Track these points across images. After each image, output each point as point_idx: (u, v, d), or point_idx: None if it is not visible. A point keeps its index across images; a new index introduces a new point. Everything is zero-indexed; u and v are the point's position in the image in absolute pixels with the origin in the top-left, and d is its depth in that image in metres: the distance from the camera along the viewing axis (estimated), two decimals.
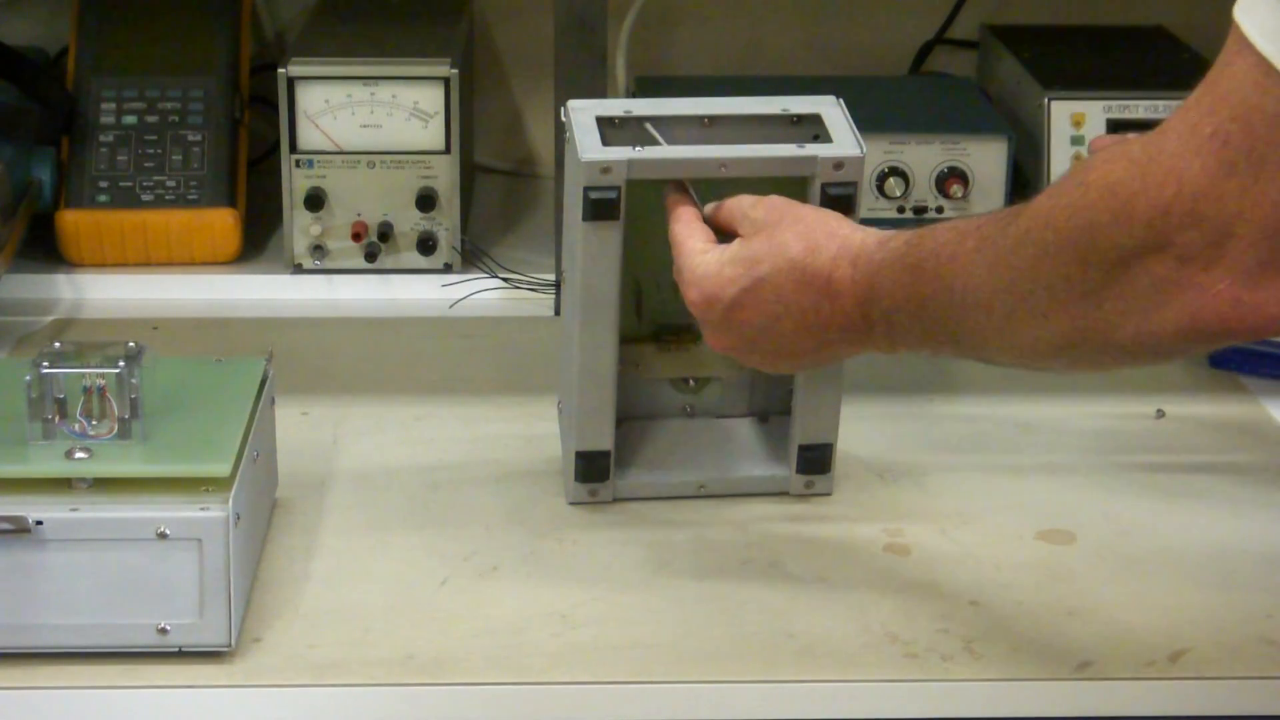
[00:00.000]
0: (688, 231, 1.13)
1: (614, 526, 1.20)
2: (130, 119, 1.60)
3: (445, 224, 1.57)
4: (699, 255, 1.12)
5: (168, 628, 1.03)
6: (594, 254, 1.14)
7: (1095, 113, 1.60)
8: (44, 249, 1.59)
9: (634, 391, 1.25)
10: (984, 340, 0.99)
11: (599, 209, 1.13)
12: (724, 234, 1.13)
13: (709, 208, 1.15)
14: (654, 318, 1.24)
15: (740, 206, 1.13)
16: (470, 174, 1.77)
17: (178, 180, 1.59)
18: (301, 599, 1.11)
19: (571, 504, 1.22)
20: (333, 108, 1.56)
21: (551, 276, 1.55)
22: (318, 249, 1.57)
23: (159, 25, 1.65)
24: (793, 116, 1.18)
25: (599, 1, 1.46)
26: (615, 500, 1.22)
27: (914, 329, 1.04)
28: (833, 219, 1.10)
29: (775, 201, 1.11)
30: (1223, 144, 0.87)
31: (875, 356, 1.28)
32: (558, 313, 1.49)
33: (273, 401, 1.18)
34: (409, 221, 1.57)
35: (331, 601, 1.10)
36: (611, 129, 1.16)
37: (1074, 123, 1.60)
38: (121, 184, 1.58)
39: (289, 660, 1.05)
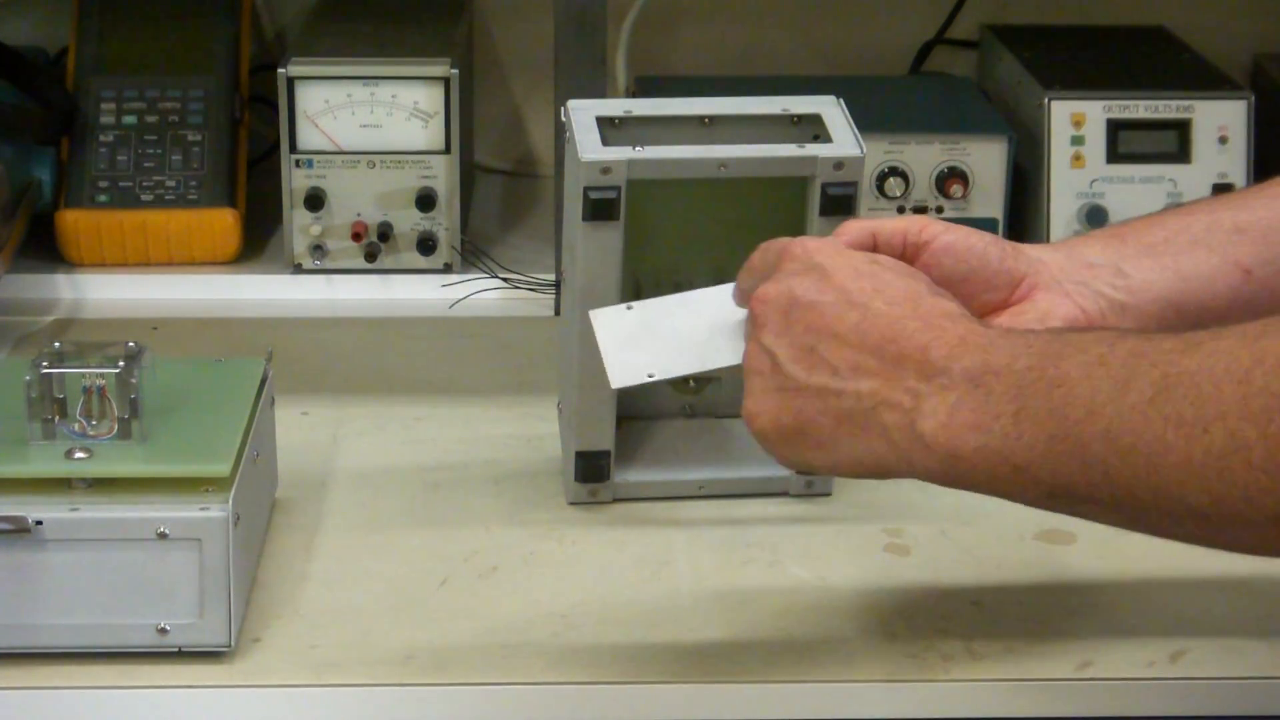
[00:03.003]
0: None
1: (614, 526, 1.20)
2: (130, 119, 1.60)
3: (445, 224, 1.57)
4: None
5: (167, 628, 1.03)
6: (594, 254, 1.14)
7: (1095, 113, 1.60)
8: (44, 249, 1.59)
9: (634, 391, 1.24)
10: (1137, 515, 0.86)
11: (599, 209, 1.13)
12: None
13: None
14: None
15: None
16: (470, 174, 1.77)
17: (178, 180, 1.59)
18: (301, 599, 1.11)
19: (571, 504, 1.22)
20: (332, 108, 1.56)
21: (551, 276, 1.55)
22: (318, 249, 1.57)
23: (159, 25, 1.65)
24: (793, 116, 1.18)
25: (599, 1, 1.46)
26: (615, 500, 1.22)
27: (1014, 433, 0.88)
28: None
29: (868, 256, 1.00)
30: None
31: None
32: (558, 313, 1.49)
33: (273, 401, 1.18)
34: (409, 221, 1.57)
35: (331, 601, 1.10)
36: (611, 129, 1.16)
37: (1074, 123, 1.60)
38: (121, 184, 1.58)
39: (289, 660, 1.05)
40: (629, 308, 1.07)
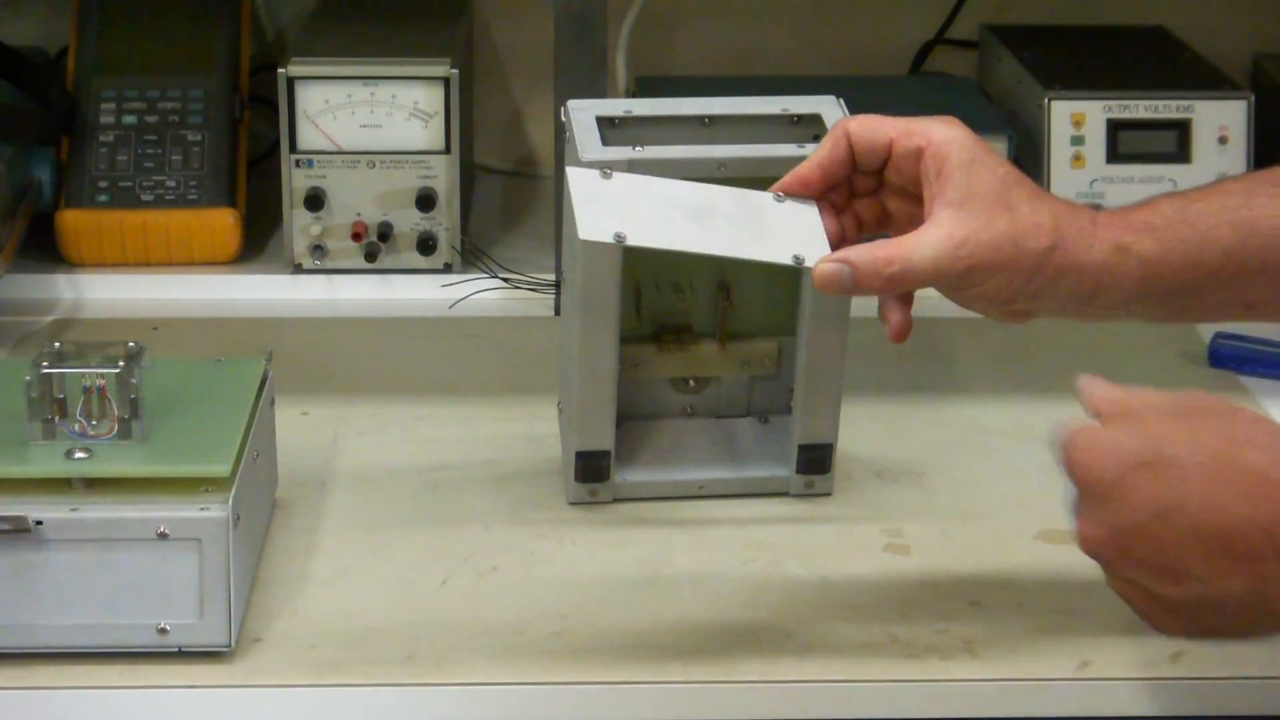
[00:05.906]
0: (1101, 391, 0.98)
1: (614, 526, 1.20)
2: (130, 119, 1.60)
3: (445, 224, 1.57)
4: (1093, 426, 0.97)
5: (168, 628, 1.03)
6: (594, 254, 1.14)
7: (1095, 113, 1.60)
8: (44, 249, 1.59)
9: (634, 391, 1.25)
10: None
11: None
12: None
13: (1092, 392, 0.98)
14: (654, 318, 1.24)
15: (1142, 398, 0.96)
16: (470, 174, 1.77)
17: (178, 180, 1.59)
18: (301, 599, 1.11)
19: (571, 504, 1.22)
20: (333, 108, 1.56)
21: (551, 276, 1.55)
22: (318, 249, 1.57)
23: (159, 25, 1.65)
24: (793, 116, 1.18)
25: (599, 1, 1.46)
26: (615, 500, 1.22)
27: None
28: (1266, 420, 0.94)
29: (1194, 395, 0.96)
30: None
31: (875, 352, 1.29)
32: (558, 313, 1.49)
33: (273, 401, 1.18)
34: (409, 221, 1.57)
35: (331, 601, 1.10)
36: (611, 129, 1.16)
37: (1074, 123, 1.60)
38: (121, 184, 1.58)
39: (289, 660, 1.05)
40: (606, 174, 1.07)
